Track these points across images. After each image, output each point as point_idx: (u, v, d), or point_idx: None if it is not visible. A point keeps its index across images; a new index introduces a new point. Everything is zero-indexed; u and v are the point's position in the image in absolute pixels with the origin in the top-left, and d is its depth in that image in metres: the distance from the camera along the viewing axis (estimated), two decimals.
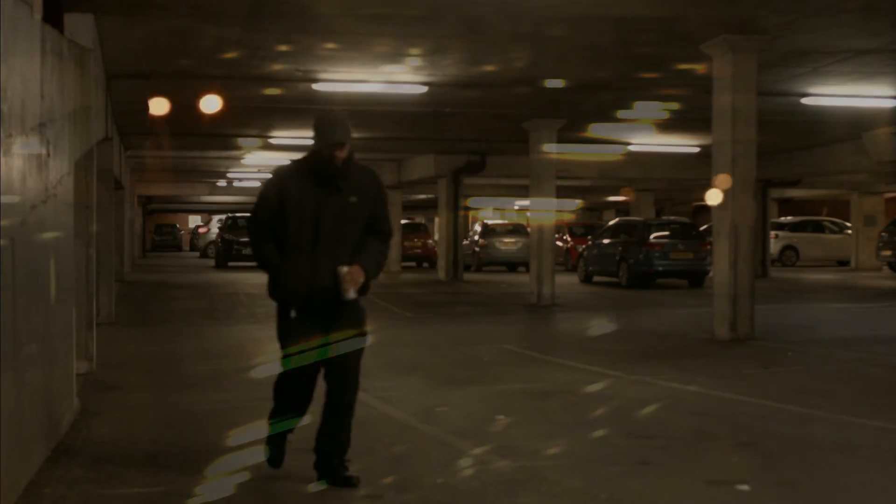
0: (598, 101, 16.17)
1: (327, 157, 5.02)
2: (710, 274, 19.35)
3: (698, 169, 25.03)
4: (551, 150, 18.36)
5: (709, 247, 21.14)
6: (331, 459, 5.11)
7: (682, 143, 22.93)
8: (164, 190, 42.21)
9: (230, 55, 12.24)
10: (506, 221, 36.31)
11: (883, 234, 28.42)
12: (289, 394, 5.34)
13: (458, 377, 8.91)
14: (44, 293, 5.57)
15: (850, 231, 33.92)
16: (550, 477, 5.26)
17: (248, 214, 35.99)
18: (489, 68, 13.26)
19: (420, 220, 40.07)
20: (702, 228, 25.33)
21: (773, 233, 31.12)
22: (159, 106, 11.91)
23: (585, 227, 32.91)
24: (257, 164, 29.47)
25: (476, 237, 31.15)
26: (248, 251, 31.34)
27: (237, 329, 13.53)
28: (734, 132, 11.52)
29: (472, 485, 5.12)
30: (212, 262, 33.36)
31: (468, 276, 27.08)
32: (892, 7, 10.06)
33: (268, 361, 9.96)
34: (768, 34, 11.13)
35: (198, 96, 14.57)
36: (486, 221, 33.77)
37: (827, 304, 17.75)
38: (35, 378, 5.19)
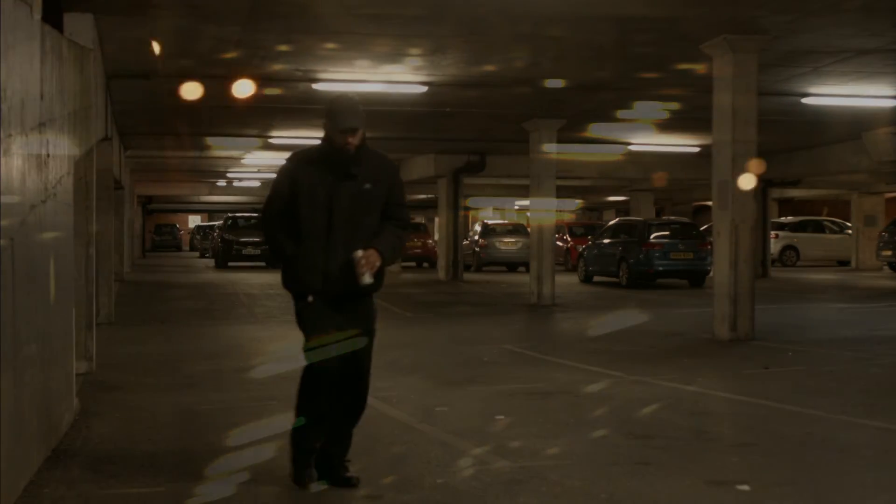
0: (598, 101, 16.17)
1: (340, 143, 4.92)
2: (711, 274, 19.39)
3: (698, 169, 25.06)
4: (551, 150, 18.36)
5: (709, 247, 21.16)
6: (332, 460, 5.08)
7: (682, 143, 22.92)
8: (164, 190, 42.24)
9: (230, 55, 12.24)
10: (506, 221, 36.32)
11: (883, 234, 28.42)
12: (317, 387, 5.02)
13: (458, 377, 8.91)
14: (43, 293, 5.57)
15: (850, 231, 33.93)
16: (550, 477, 5.25)
17: (248, 215, 36.15)
18: (489, 68, 13.26)
19: (420, 220, 40.07)
20: (702, 228, 25.33)
21: (773, 233, 31.13)
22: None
23: (585, 227, 32.91)
24: (257, 163, 29.47)
25: (476, 237, 31.16)
26: (247, 251, 31.38)
27: (237, 329, 13.53)
28: (734, 132, 11.52)
29: (472, 485, 5.12)
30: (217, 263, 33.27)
31: (468, 276, 27.08)
32: (892, 7, 10.06)
33: (267, 361, 9.99)
34: (768, 34, 11.13)
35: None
36: (486, 221, 33.78)
37: (827, 304, 17.75)
38: (35, 378, 5.19)
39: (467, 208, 39.39)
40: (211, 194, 43.34)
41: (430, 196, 35.39)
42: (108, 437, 6.35)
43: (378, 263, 4.91)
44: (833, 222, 35.21)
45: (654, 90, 15.03)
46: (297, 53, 12.27)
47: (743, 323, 11.53)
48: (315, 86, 14.21)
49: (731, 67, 11.46)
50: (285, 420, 6.88)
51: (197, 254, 48.58)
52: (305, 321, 5.03)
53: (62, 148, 6.34)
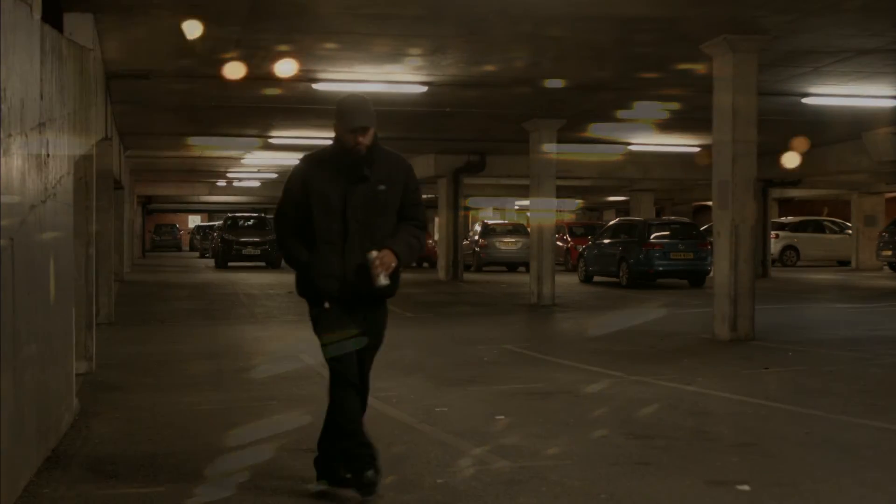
0: (598, 101, 16.17)
1: (350, 143, 4.78)
2: (711, 274, 19.39)
3: (698, 169, 25.07)
4: (551, 150, 18.36)
5: (709, 247, 21.17)
6: (332, 461, 5.04)
7: (682, 143, 22.93)
8: (164, 190, 42.26)
9: (230, 55, 12.24)
10: (506, 221, 36.32)
11: (883, 234, 28.42)
12: (346, 378, 4.93)
13: (458, 377, 8.91)
14: (43, 293, 5.57)
15: (850, 231, 33.93)
16: (550, 477, 5.25)
17: (247, 215, 36.13)
18: (489, 68, 13.25)
19: None
20: (702, 228, 25.33)
21: (773, 233, 31.13)
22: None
23: (585, 227, 32.92)
24: (257, 163, 29.47)
25: (476, 237, 31.16)
26: (247, 251, 31.38)
27: (237, 329, 13.53)
28: (734, 132, 11.52)
29: (472, 485, 5.11)
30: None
31: (468, 276, 27.09)
32: (892, 7, 10.06)
33: (267, 361, 9.99)
34: (769, 34, 11.13)
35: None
36: (486, 221, 33.78)
37: (827, 305, 17.75)
38: (34, 378, 5.18)
39: (467, 208, 39.38)
40: (211, 194, 43.36)
41: (430, 196, 35.43)
42: (108, 437, 6.35)
43: (393, 264, 4.79)
44: (833, 222, 35.21)
45: (654, 90, 15.03)
46: (297, 53, 12.26)
47: (743, 323, 11.53)
48: (315, 86, 14.21)
49: (731, 67, 11.46)
50: (285, 420, 6.91)
51: (197, 254, 48.58)
52: (322, 326, 4.94)
53: (62, 148, 6.33)
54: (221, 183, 39.00)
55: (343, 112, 4.82)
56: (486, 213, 50.20)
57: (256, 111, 17.68)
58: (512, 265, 30.87)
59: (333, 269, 4.79)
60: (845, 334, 12.43)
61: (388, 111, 16.95)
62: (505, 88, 14.82)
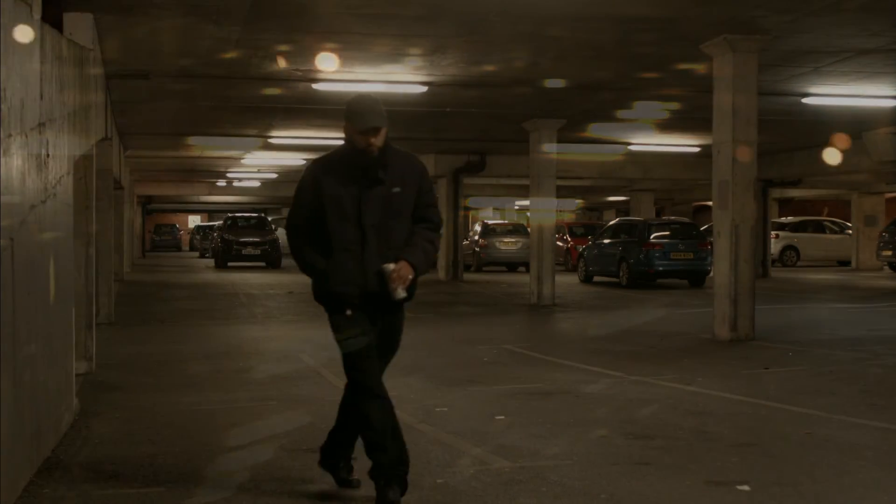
0: (598, 101, 16.17)
1: (362, 145, 4.64)
2: (711, 274, 19.39)
3: (698, 169, 25.08)
4: (551, 150, 18.36)
5: (709, 247, 21.17)
6: (338, 462, 5.04)
7: (682, 143, 22.93)
8: (164, 190, 42.25)
9: (230, 55, 12.24)
10: (506, 221, 36.32)
11: (883, 234, 28.41)
12: (370, 389, 4.76)
13: (458, 377, 8.91)
14: (43, 293, 5.57)
15: (850, 231, 33.93)
16: (550, 477, 5.25)
17: (247, 215, 36.11)
18: (489, 68, 13.25)
19: None
20: (702, 228, 25.33)
21: (773, 233, 31.13)
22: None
23: (585, 227, 32.92)
24: (257, 164, 29.48)
25: (476, 237, 31.16)
26: (247, 251, 31.37)
27: (237, 329, 13.53)
28: (734, 132, 11.52)
29: (472, 485, 5.11)
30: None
31: (468, 276, 27.09)
32: (892, 7, 10.06)
33: (267, 361, 9.99)
34: (769, 34, 11.13)
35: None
36: (486, 221, 33.77)
37: (827, 305, 17.74)
38: (34, 378, 5.18)
39: (467, 208, 39.39)
40: (211, 194, 43.35)
41: None
42: (108, 437, 6.35)
43: (411, 277, 4.67)
44: (833, 222, 35.21)
45: (654, 90, 15.03)
46: (297, 53, 12.26)
47: (743, 323, 11.53)
48: (315, 86, 14.21)
49: (731, 67, 11.46)
50: (285, 420, 6.91)
51: (197, 254, 48.56)
52: (338, 323, 4.80)
53: (62, 148, 6.33)
54: (221, 183, 39.00)
55: (354, 113, 4.68)
56: (486, 213, 50.20)
57: (256, 111, 17.68)
58: (512, 265, 30.87)
59: (353, 277, 4.66)
60: (845, 334, 12.43)
61: (387, 111, 16.88)
62: (505, 88, 14.82)
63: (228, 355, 10.56)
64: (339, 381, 8.52)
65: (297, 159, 27.22)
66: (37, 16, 5.50)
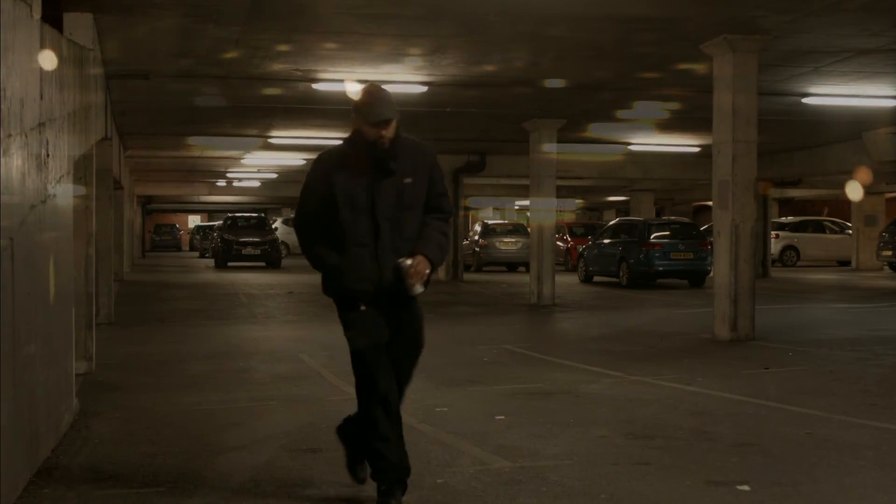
0: (598, 101, 16.17)
1: (373, 138, 4.52)
2: (711, 274, 19.38)
3: (698, 169, 25.08)
4: (551, 150, 18.36)
5: (709, 247, 21.17)
6: (356, 457, 4.97)
7: (682, 143, 22.94)
8: (164, 190, 42.26)
9: (230, 55, 12.24)
10: (506, 221, 36.32)
11: (883, 234, 28.41)
12: (379, 393, 4.65)
13: (458, 377, 8.90)
14: (43, 293, 5.57)
15: (850, 231, 33.92)
16: (550, 477, 5.25)
17: (247, 215, 36.10)
18: (489, 68, 13.25)
19: None
20: (702, 228, 25.34)
21: (773, 233, 31.13)
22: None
23: (585, 227, 32.91)
24: (257, 163, 29.48)
25: (476, 237, 31.16)
26: (247, 251, 31.37)
27: (237, 329, 13.53)
28: (734, 132, 11.52)
29: (472, 485, 5.11)
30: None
31: (468, 276, 27.08)
32: (892, 7, 10.05)
33: (267, 361, 9.99)
34: (769, 34, 11.13)
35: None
36: (486, 221, 33.77)
37: (827, 305, 17.74)
38: (34, 378, 5.18)
39: (467, 208, 39.40)
40: (211, 194, 43.36)
41: None
42: (108, 437, 6.34)
43: (428, 271, 4.57)
44: (833, 222, 35.21)
45: (654, 90, 15.03)
46: (297, 53, 12.26)
47: (743, 323, 11.53)
48: (315, 86, 14.21)
49: (731, 67, 11.46)
50: (285, 420, 6.91)
51: (197, 254, 48.56)
52: (350, 321, 4.68)
53: (62, 148, 6.33)
54: (221, 183, 39.01)
55: (364, 104, 4.55)
56: (486, 213, 50.21)
57: (256, 111, 17.68)
58: (512, 265, 30.86)
59: (368, 273, 4.56)
60: (845, 334, 12.43)
61: None
62: (505, 88, 14.82)
63: (228, 355, 10.56)
64: (339, 381, 8.54)
65: (297, 159, 27.22)
66: (37, 16, 5.49)
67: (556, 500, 4.85)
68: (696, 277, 22.78)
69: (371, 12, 10.15)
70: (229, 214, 35.82)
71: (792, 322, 14.18)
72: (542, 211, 18.59)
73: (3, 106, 4.30)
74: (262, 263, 32.13)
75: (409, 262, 4.54)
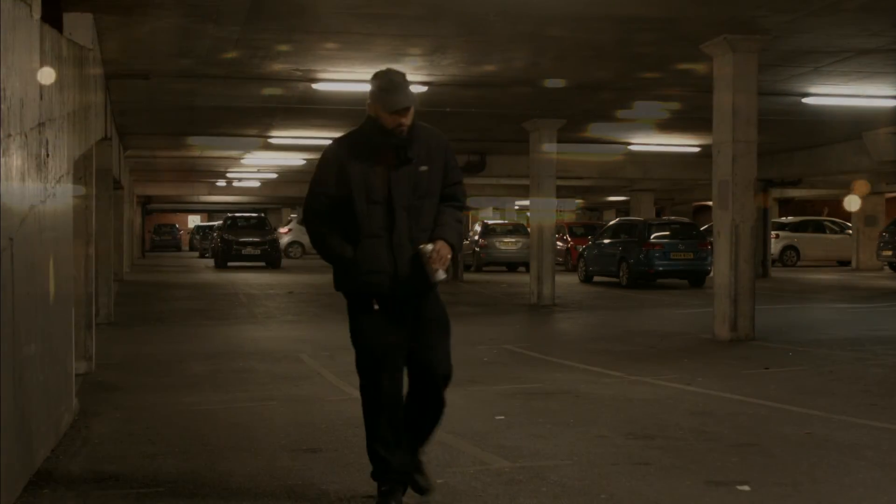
0: (598, 101, 16.17)
1: (391, 126, 4.38)
2: (711, 274, 19.38)
3: (698, 169, 25.08)
4: (551, 150, 18.36)
5: (709, 247, 21.17)
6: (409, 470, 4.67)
7: (682, 143, 22.94)
8: (164, 190, 42.26)
9: (230, 55, 12.24)
10: (506, 221, 36.32)
11: (884, 234, 28.42)
12: (378, 399, 4.56)
13: (458, 377, 8.81)
14: (43, 293, 5.56)
15: (850, 231, 33.92)
16: (550, 477, 5.25)
17: (247, 215, 36.08)
18: (489, 68, 13.25)
19: None
20: (702, 228, 25.34)
21: (773, 233, 31.13)
22: None
23: (585, 227, 32.91)
24: (257, 163, 29.48)
25: (476, 237, 31.17)
26: (247, 251, 31.38)
27: (237, 329, 13.52)
28: (734, 132, 11.52)
29: (472, 485, 5.11)
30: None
31: (468, 276, 27.08)
32: (892, 7, 10.05)
33: (267, 362, 9.99)
34: (769, 34, 11.13)
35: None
36: (486, 221, 33.77)
37: (827, 305, 17.74)
38: (34, 378, 5.18)
39: (467, 208, 39.33)
40: (210, 194, 43.34)
41: None
42: (107, 437, 6.34)
43: (449, 256, 4.45)
44: (833, 222, 35.21)
45: (654, 90, 15.03)
46: (297, 53, 12.26)
47: (743, 323, 11.53)
48: (315, 85, 14.21)
49: (731, 67, 11.46)
50: (285, 420, 6.90)
51: (196, 254, 48.56)
52: (360, 327, 4.52)
53: (62, 148, 6.33)
54: (221, 183, 39.00)
55: (382, 91, 4.41)
56: (486, 213, 50.20)
57: (256, 111, 17.68)
58: (512, 265, 30.86)
59: (383, 265, 4.41)
60: (845, 334, 12.43)
61: None
62: (505, 88, 14.82)
63: (228, 355, 10.55)
64: (339, 381, 8.54)
65: (297, 159, 27.22)
66: (36, 16, 5.49)
67: (556, 500, 4.85)
68: (696, 277, 22.78)
69: (371, 12, 10.15)
70: (229, 214, 35.82)
71: (792, 322, 14.18)
72: (542, 211, 18.59)
73: (3, 106, 4.30)
74: (262, 263, 32.13)
75: (430, 246, 4.41)
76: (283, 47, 11.92)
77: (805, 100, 15.48)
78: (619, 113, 17.44)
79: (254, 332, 13.19)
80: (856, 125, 19.41)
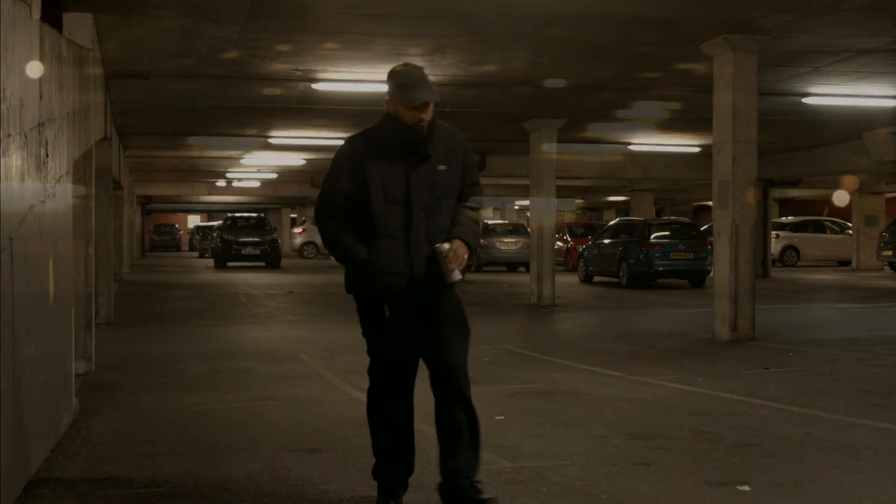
0: (598, 101, 16.17)
1: (411, 122, 4.26)
2: (711, 274, 19.37)
3: (698, 169, 25.08)
4: (551, 150, 18.36)
5: (709, 247, 21.17)
6: (460, 481, 4.38)
7: (682, 143, 22.94)
8: (164, 190, 42.27)
9: (230, 55, 12.24)
10: (506, 221, 36.32)
11: (884, 234, 28.42)
12: (387, 409, 4.50)
13: None
14: (42, 293, 5.56)
15: (850, 231, 33.93)
16: (550, 477, 5.24)
17: (247, 215, 36.07)
18: (489, 68, 13.25)
19: None
20: (702, 228, 25.34)
21: (773, 233, 31.13)
22: None
23: (585, 227, 32.91)
24: (256, 164, 29.48)
25: None
26: (247, 251, 31.38)
27: (237, 329, 13.52)
28: (735, 132, 11.52)
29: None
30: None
31: (468, 276, 27.07)
32: (892, 7, 10.05)
33: (267, 362, 9.98)
34: (769, 34, 11.13)
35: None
36: (485, 221, 33.78)
37: (828, 305, 17.74)
38: (34, 378, 5.18)
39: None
40: (210, 194, 43.35)
41: None
42: (107, 438, 6.34)
43: (466, 256, 4.31)
44: (834, 222, 35.21)
45: (654, 90, 15.03)
46: (297, 53, 12.26)
47: (743, 323, 11.52)
48: (315, 85, 14.21)
49: (731, 67, 11.46)
50: (285, 420, 6.90)
51: (196, 254, 48.56)
52: (373, 331, 4.42)
53: (61, 148, 6.33)
54: (221, 183, 39.02)
55: (402, 86, 4.28)
56: (486, 213, 50.22)
57: (256, 111, 17.67)
58: (512, 265, 30.87)
59: (399, 267, 4.27)
60: (846, 334, 12.43)
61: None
62: (505, 88, 14.81)
63: (228, 355, 10.55)
64: (339, 381, 8.54)
65: (296, 159, 27.22)
66: (36, 16, 5.49)
67: (556, 500, 4.85)
68: (696, 277, 22.78)
69: (371, 12, 10.15)
70: (229, 214, 35.82)
71: (792, 322, 14.17)
72: (542, 211, 18.59)
73: (2, 106, 4.29)
74: (262, 263, 32.13)
75: (446, 246, 4.28)
76: (283, 47, 11.92)
77: (805, 100, 15.48)
78: (619, 113, 17.44)
79: (254, 332, 13.18)
80: (856, 125, 19.41)
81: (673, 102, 16.27)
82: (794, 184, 28.62)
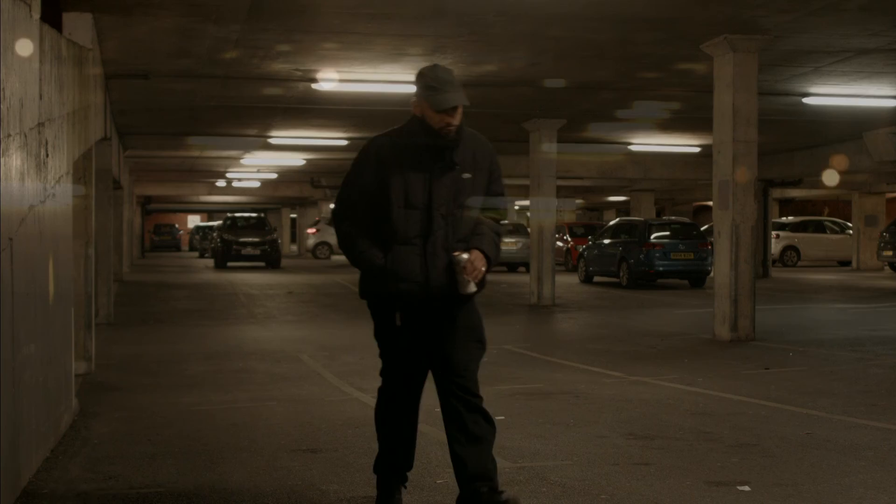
0: (598, 101, 16.16)
1: (439, 126, 4.13)
2: (711, 274, 19.38)
3: (698, 169, 25.09)
4: (551, 150, 18.36)
5: (709, 247, 21.17)
6: (479, 488, 4.28)
7: (683, 143, 22.94)
8: (163, 190, 42.28)
9: (230, 55, 12.24)
10: (506, 221, 36.28)
11: (884, 234, 28.41)
12: (394, 411, 4.46)
13: None
14: (42, 293, 5.56)
15: (851, 231, 33.93)
16: (550, 477, 5.24)
17: (247, 215, 36.06)
18: (489, 68, 13.25)
19: None
20: (702, 228, 25.34)
21: (774, 233, 31.14)
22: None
23: (585, 227, 32.90)
24: (256, 164, 29.49)
25: None
26: (247, 251, 31.38)
27: (237, 329, 13.52)
28: (735, 132, 11.52)
29: None
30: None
31: None
32: (892, 7, 10.05)
33: (267, 362, 9.98)
34: (769, 34, 11.13)
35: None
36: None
37: (828, 305, 17.74)
38: (33, 378, 5.18)
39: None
40: (210, 194, 43.37)
41: None
42: (107, 438, 6.34)
43: (484, 269, 4.24)
44: (834, 222, 35.21)
45: (654, 90, 15.02)
46: (297, 53, 12.26)
47: (743, 323, 11.52)
48: (315, 85, 14.21)
49: (731, 67, 11.46)
50: (285, 420, 6.90)
51: (196, 254, 48.57)
52: (386, 340, 4.34)
53: (61, 148, 6.33)
54: (221, 183, 39.03)
55: (432, 88, 4.14)
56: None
57: (256, 111, 17.67)
58: (512, 265, 30.86)
59: (415, 274, 4.15)
60: (846, 334, 12.42)
61: (388, 111, 16.95)
62: (505, 88, 14.81)
63: (228, 355, 10.55)
64: (339, 382, 8.54)
65: (296, 159, 27.22)
66: (36, 15, 5.49)
67: (556, 500, 4.85)
68: (697, 277, 22.78)
69: (371, 12, 10.15)
70: (229, 214, 35.82)
71: (792, 322, 14.17)
72: (543, 211, 18.59)
73: (2, 106, 4.29)
74: (262, 263, 32.13)
75: (465, 255, 4.17)
76: (283, 47, 11.92)
77: (805, 100, 15.47)
78: (619, 113, 17.44)
79: (253, 332, 13.18)
80: (856, 125, 19.41)
81: (673, 102, 16.27)
82: (795, 184, 28.62)
